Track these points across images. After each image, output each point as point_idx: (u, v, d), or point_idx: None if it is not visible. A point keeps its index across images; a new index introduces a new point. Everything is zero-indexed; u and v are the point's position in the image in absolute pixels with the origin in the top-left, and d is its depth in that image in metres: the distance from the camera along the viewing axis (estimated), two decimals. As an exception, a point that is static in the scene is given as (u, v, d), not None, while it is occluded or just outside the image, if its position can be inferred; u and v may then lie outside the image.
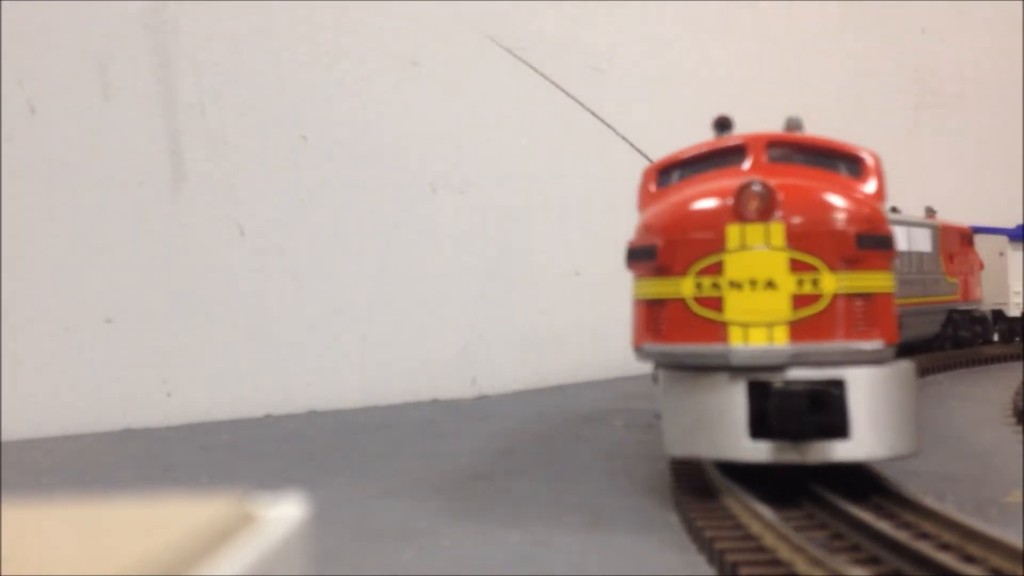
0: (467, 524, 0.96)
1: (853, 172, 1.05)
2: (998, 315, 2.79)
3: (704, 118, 1.12)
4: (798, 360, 0.90)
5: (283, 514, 0.29)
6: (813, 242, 0.93)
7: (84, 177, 1.74)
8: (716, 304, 0.93)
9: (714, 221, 0.95)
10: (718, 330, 0.92)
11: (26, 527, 0.26)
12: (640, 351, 1.03)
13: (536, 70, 1.60)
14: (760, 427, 0.89)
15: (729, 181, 0.99)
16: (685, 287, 0.95)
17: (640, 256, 1.02)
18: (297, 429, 1.70)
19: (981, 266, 2.69)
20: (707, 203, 0.98)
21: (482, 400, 2.07)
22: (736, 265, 0.93)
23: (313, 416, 1.87)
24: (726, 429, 0.90)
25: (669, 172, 1.12)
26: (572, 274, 2.38)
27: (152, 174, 1.81)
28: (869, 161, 1.05)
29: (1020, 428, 1.47)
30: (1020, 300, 2.79)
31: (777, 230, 0.93)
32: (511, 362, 2.23)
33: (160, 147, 1.82)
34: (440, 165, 2.15)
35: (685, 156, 1.12)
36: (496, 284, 2.22)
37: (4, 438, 1.60)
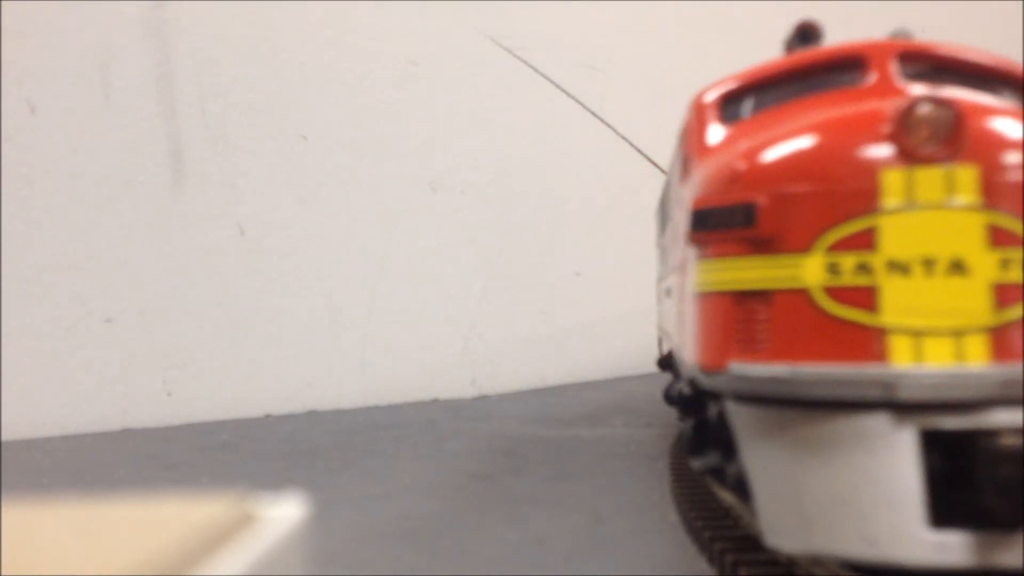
0: (467, 524, 0.96)
1: (1020, 99, 0.76)
2: None
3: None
4: (1007, 393, 0.56)
5: (283, 514, 0.29)
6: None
7: (84, 177, 1.75)
8: (866, 299, 0.59)
9: (859, 162, 0.60)
10: (869, 341, 0.59)
11: (26, 527, 0.26)
12: (719, 376, 0.66)
13: (536, 70, 1.60)
14: (947, 509, 0.57)
15: (865, 104, 0.65)
16: (809, 271, 0.61)
17: (722, 222, 0.65)
18: (297, 429, 1.69)
19: None
20: (841, 135, 0.62)
21: (482, 400, 2.07)
22: (900, 234, 0.59)
23: (313, 416, 1.87)
24: (884, 512, 0.57)
25: (738, 101, 0.83)
26: (572, 274, 2.38)
27: (152, 174, 1.81)
28: None
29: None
30: None
31: (967, 177, 0.58)
32: (511, 362, 2.23)
33: (160, 147, 1.82)
34: (440, 165, 2.15)
35: (762, 76, 0.82)
36: (496, 284, 2.22)
37: (4, 438, 1.61)
